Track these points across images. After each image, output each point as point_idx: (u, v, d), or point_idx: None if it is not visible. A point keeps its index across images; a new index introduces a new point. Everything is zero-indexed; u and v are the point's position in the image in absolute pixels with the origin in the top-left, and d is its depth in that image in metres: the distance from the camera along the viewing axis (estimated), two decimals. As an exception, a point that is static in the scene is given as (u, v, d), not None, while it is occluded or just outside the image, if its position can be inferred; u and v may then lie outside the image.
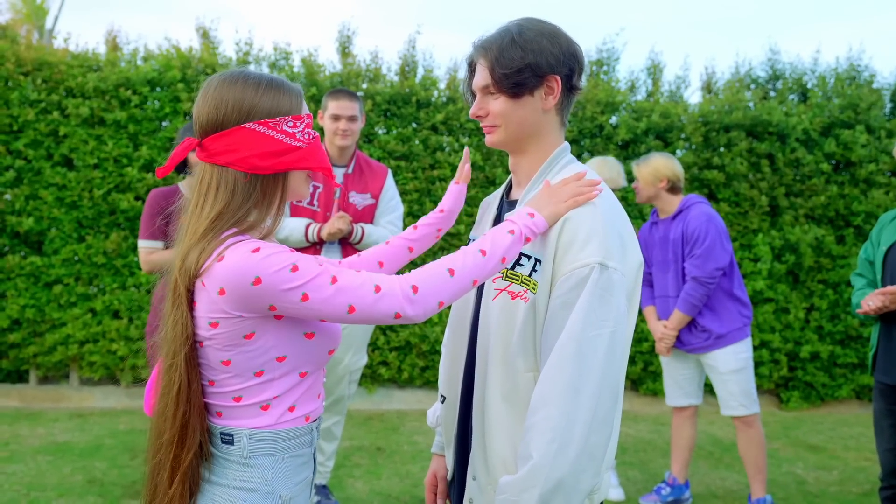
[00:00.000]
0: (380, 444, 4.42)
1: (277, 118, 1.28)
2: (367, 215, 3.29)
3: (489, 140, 1.49)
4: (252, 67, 5.32)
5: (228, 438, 1.31)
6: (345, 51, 5.54)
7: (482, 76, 1.45)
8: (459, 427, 1.55)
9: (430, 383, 5.44)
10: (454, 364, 1.58)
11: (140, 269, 4.68)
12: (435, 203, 5.33)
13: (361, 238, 3.19)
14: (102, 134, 4.99)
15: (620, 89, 5.70)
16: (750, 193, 5.55)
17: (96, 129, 5.01)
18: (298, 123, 1.31)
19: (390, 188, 3.37)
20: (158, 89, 5.12)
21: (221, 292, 1.21)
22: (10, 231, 4.98)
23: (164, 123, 5.12)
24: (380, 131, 5.38)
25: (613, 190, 3.72)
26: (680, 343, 3.47)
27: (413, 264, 4.84)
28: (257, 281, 1.19)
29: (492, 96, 1.45)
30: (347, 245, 3.21)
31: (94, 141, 4.97)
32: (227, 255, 1.21)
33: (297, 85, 1.35)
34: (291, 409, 1.33)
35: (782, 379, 5.72)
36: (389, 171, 3.41)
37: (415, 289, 1.26)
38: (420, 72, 5.55)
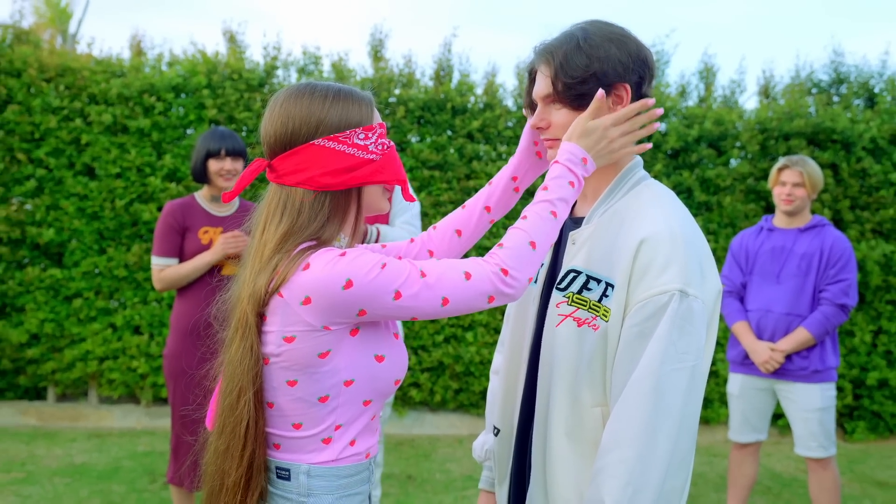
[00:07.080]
0: (410, 472, 4.40)
1: (348, 131, 1.28)
2: (381, 218, 3.20)
3: (551, 156, 1.45)
4: (295, 72, 5.35)
5: (285, 474, 1.29)
6: (377, 55, 5.55)
7: (543, 84, 1.41)
8: (515, 463, 1.52)
9: (464, 407, 5.38)
10: (510, 394, 1.54)
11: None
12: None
13: (377, 240, 3.09)
14: (125, 142, 5.06)
15: (670, 94, 5.60)
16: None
17: (119, 136, 5.07)
18: (370, 134, 1.30)
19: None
20: (183, 95, 5.18)
21: (306, 301, 1.21)
22: (31, 242, 5.05)
23: (188, 131, 5.16)
24: (413, 139, 5.35)
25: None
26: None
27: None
28: (349, 284, 1.19)
29: (553, 106, 1.41)
30: None
31: (116, 149, 5.03)
32: (312, 264, 1.21)
33: (367, 92, 1.35)
34: (352, 442, 1.31)
35: (847, 408, 5.54)
36: None
37: (505, 271, 1.25)
38: (456, 76, 5.52)
